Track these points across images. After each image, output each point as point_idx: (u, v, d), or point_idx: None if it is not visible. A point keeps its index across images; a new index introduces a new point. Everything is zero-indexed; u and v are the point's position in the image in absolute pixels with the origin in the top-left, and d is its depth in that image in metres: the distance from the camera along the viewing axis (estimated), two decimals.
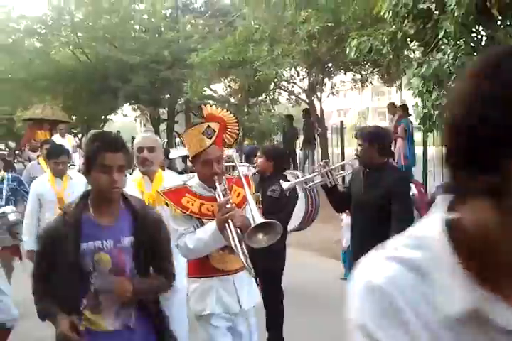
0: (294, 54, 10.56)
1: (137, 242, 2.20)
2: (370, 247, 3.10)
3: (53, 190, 4.53)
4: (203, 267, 2.69)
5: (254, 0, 11.18)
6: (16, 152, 16.74)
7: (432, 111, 5.97)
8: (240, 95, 13.34)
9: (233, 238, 2.46)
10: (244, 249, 2.50)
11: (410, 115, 9.92)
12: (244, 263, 2.47)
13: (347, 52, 7.27)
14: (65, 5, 18.54)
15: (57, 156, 4.54)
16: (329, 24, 9.77)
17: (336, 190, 3.75)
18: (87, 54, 18.59)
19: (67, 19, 18.67)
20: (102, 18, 18.12)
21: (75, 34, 18.45)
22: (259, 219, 2.50)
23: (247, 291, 2.76)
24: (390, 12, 6.45)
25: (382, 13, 6.63)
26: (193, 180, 2.77)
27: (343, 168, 4.57)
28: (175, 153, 10.02)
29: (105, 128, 24.48)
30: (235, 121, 2.79)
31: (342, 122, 12.69)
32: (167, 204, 2.69)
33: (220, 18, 18.83)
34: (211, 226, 2.55)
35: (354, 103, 41.30)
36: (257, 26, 11.57)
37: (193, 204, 2.65)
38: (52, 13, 18.63)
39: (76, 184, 4.55)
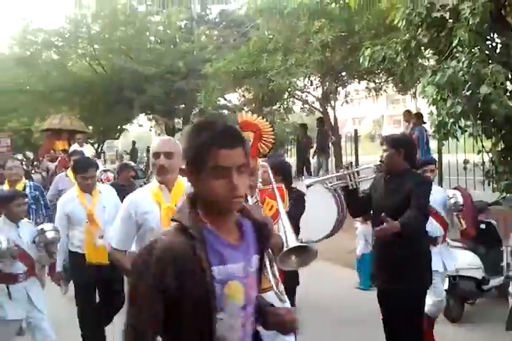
0: (307, 63, 10.59)
1: (261, 262, 1.67)
2: (389, 250, 3.11)
3: (82, 207, 4.21)
4: None
5: (268, 10, 11.27)
6: (34, 163, 16.98)
7: (447, 119, 5.94)
8: (254, 105, 13.43)
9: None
10: (276, 271, 2.29)
11: (425, 123, 9.88)
12: (274, 287, 2.24)
13: (360, 61, 7.29)
14: (82, 18, 18.87)
15: (84, 170, 4.20)
16: (343, 33, 9.81)
17: (355, 193, 3.80)
18: (103, 65, 18.88)
19: (83, 31, 19.00)
20: (118, 30, 18.42)
21: (92, 46, 18.77)
22: (293, 241, 2.26)
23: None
24: (404, 21, 6.45)
25: (395, 22, 6.64)
26: None
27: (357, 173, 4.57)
28: None
29: (121, 138, 24.77)
30: (271, 129, 2.67)
31: (356, 130, 12.66)
32: None
33: (234, 29, 19.02)
34: None
35: (369, 111, 41.18)
36: (271, 36, 11.66)
37: None
38: (69, 25, 18.98)
39: (106, 198, 4.31)
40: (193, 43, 18.39)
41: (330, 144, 12.61)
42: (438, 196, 4.41)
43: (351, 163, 4.09)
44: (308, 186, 4.24)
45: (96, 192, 4.28)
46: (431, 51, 6.99)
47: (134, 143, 20.19)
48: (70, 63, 20.26)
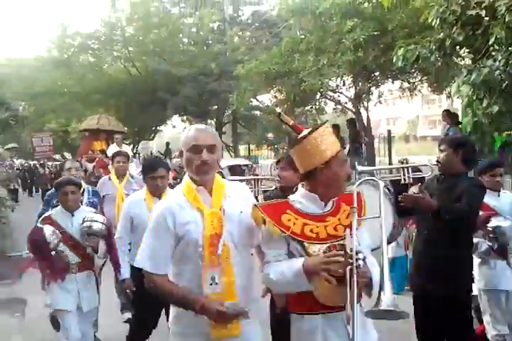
0: (339, 63, 10.50)
1: None
2: (431, 251, 2.98)
3: (149, 212, 3.52)
4: (303, 301, 2.18)
5: (300, 11, 11.24)
6: None
7: (483, 120, 5.79)
8: (285, 105, 13.38)
9: (351, 297, 1.92)
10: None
11: (461, 123, 9.66)
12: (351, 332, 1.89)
13: (394, 60, 7.18)
14: (117, 21, 19.25)
15: (153, 170, 3.76)
16: (375, 33, 9.68)
17: (406, 190, 3.70)
18: (138, 67, 19.20)
19: (118, 34, 19.38)
20: (152, 33, 18.70)
21: (126, 48, 19.13)
22: (388, 299, 1.90)
23: (361, 332, 2.02)
24: (438, 19, 6.34)
25: (429, 21, 6.52)
26: (297, 194, 2.32)
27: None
28: (222, 163, 10.11)
29: (155, 139, 25.10)
30: None
31: (389, 131, 12.51)
32: (264, 222, 2.20)
33: (266, 30, 19.04)
34: (298, 264, 2.09)
35: (404, 111, 40.53)
36: (303, 37, 11.62)
37: (294, 224, 2.19)
38: (104, 28, 19.39)
39: None
40: (225, 45, 18.51)
41: (363, 145, 12.46)
42: (507, 200, 4.07)
43: (406, 158, 3.98)
44: (360, 173, 4.15)
45: (165, 196, 3.60)
46: (466, 50, 6.85)
47: (167, 144, 20.43)
48: (106, 65, 20.71)
